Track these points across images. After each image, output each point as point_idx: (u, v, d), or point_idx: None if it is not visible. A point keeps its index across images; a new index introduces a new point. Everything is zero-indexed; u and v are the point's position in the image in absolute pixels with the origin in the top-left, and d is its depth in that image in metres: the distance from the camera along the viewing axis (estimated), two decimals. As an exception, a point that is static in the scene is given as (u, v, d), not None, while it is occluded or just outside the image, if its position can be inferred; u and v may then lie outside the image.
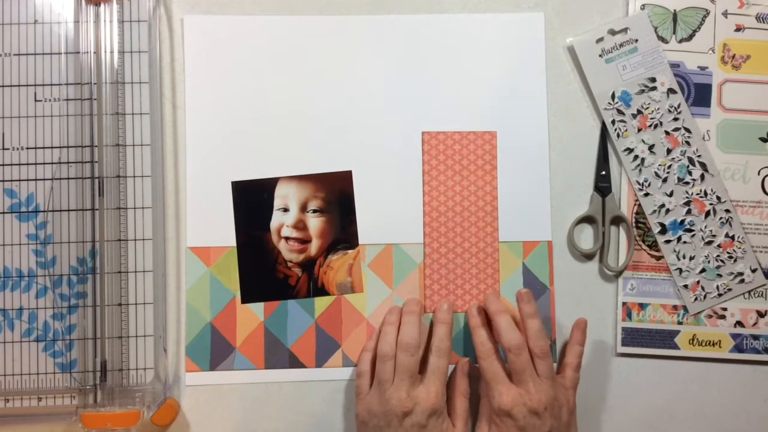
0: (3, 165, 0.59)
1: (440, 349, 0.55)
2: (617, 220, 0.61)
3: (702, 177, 0.61)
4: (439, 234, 0.60)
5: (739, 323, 0.61)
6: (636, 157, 0.61)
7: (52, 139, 0.59)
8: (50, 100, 0.59)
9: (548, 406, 0.52)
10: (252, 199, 0.61)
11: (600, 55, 0.61)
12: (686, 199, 0.61)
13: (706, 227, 0.61)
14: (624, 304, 0.61)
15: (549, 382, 0.54)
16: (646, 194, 0.61)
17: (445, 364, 0.55)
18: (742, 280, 0.61)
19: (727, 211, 0.61)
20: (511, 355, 0.54)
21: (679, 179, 0.61)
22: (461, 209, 0.60)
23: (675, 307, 0.61)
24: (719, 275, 0.61)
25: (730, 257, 0.61)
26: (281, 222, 0.61)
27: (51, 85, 0.59)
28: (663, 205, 0.61)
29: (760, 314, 0.61)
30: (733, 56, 0.62)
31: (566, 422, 0.54)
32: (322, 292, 0.60)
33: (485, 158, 0.61)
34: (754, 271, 0.61)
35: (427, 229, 0.61)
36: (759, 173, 0.61)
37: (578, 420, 0.59)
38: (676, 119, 0.61)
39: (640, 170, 0.61)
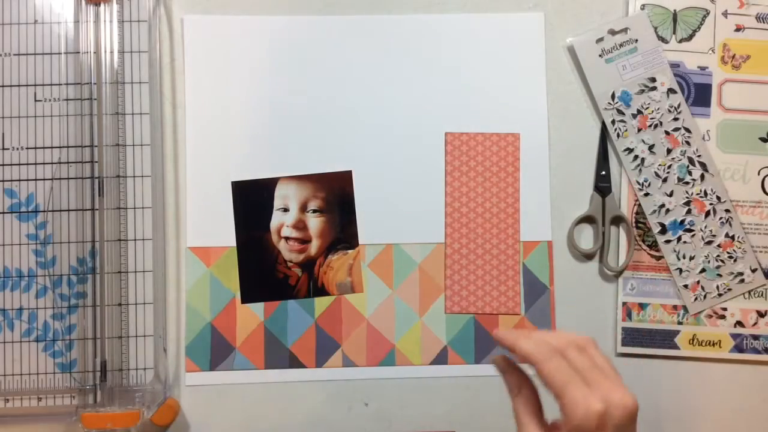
0: (3, 165, 0.59)
1: None
2: (617, 220, 0.61)
3: (702, 177, 0.61)
4: (461, 235, 0.60)
5: (739, 323, 0.61)
6: (636, 157, 0.61)
7: (52, 139, 0.59)
8: (50, 100, 0.59)
9: (635, 408, 0.41)
10: (252, 199, 0.61)
11: (600, 55, 0.61)
12: (686, 199, 0.61)
13: (706, 227, 0.61)
14: (624, 304, 0.61)
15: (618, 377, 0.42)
16: (646, 194, 0.61)
17: None
18: (742, 280, 0.61)
19: (727, 211, 0.61)
20: (571, 354, 0.42)
21: (679, 179, 0.61)
22: (483, 210, 0.60)
23: (675, 307, 0.61)
24: (719, 275, 0.61)
25: (730, 257, 0.61)
26: (281, 222, 0.61)
27: (51, 85, 0.59)
28: (663, 205, 0.61)
29: (760, 314, 0.61)
30: (733, 56, 0.62)
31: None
32: (322, 292, 0.60)
33: (508, 160, 0.61)
34: (754, 271, 0.61)
35: (448, 230, 0.61)
36: (759, 173, 0.61)
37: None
38: (676, 119, 0.61)
39: (640, 170, 0.61)
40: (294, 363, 0.60)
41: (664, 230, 0.61)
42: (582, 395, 0.40)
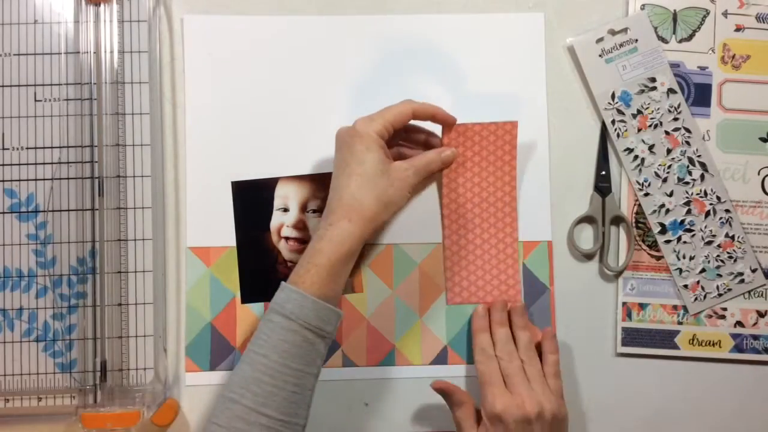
0: (3, 165, 0.59)
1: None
2: (617, 220, 0.61)
3: (702, 177, 0.61)
4: (459, 226, 0.60)
5: (739, 323, 0.61)
6: (636, 157, 0.61)
7: (52, 139, 0.59)
8: (50, 100, 0.59)
9: (540, 414, 0.52)
10: (252, 199, 0.61)
11: (600, 55, 0.61)
12: (686, 199, 0.61)
13: (706, 227, 0.61)
14: (624, 304, 0.61)
15: (540, 388, 0.54)
16: (646, 194, 0.61)
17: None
18: (742, 280, 0.61)
19: (727, 211, 0.61)
20: (503, 363, 0.55)
21: (679, 179, 0.61)
22: (480, 200, 0.60)
23: (675, 307, 0.61)
24: (719, 275, 0.61)
25: (730, 257, 0.61)
26: (281, 222, 0.61)
27: (51, 85, 0.59)
28: (663, 205, 0.61)
29: (760, 314, 0.61)
30: (733, 56, 0.62)
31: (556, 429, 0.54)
32: (322, 292, 0.60)
33: (505, 149, 0.60)
34: (754, 271, 0.61)
35: (446, 221, 0.60)
36: (759, 173, 0.61)
37: (577, 420, 0.60)
38: (676, 119, 0.61)
39: (640, 170, 0.61)
40: (294, 363, 0.60)
41: (664, 230, 0.61)
42: (492, 396, 0.53)
